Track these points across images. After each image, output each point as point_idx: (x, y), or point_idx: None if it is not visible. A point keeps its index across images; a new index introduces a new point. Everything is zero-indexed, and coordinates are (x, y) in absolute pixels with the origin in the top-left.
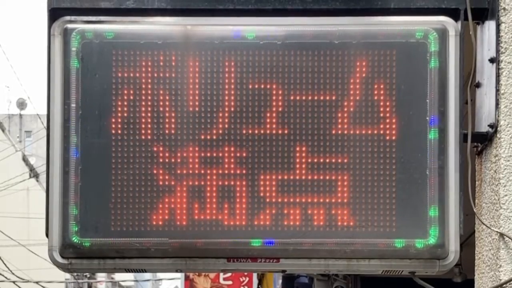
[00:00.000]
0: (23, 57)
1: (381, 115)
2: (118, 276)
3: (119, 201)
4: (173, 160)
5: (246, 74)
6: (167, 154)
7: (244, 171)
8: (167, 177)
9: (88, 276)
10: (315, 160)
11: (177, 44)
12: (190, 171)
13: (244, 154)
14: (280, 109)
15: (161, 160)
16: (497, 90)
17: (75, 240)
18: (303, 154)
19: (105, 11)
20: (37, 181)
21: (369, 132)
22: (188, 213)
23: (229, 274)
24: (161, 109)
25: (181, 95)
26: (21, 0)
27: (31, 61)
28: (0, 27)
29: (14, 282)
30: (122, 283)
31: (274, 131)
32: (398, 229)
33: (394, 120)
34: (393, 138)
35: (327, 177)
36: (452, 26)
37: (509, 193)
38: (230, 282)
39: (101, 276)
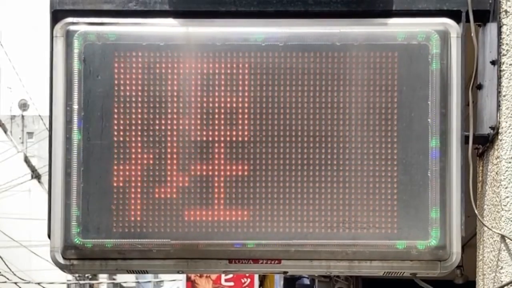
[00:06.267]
0: (26, 59)
1: (383, 116)
2: (120, 277)
3: (121, 202)
4: (175, 161)
5: (248, 76)
6: (169, 156)
7: (246, 173)
8: (169, 178)
9: (90, 277)
10: (317, 162)
11: (179, 46)
12: (192, 173)
13: (246, 156)
14: (281, 110)
15: (163, 162)
16: (499, 92)
17: (77, 241)
18: (305, 156)
19: (108, 13)
20: (39, 182)
21: (371, 133)
22: (189, 214)
23: (230, 276)
24: (163, 110)
25: (183, 97)
26: (23, 2)
27: (34, 63)
28: (2, 28)
29: (15, 283)
30: (124, 284)
31: (275, 133)
32: (400, 231)
33: (395, 122)
34: (395, 140)
35: (329, 179)
36: (453, 28)
37: (511, 195)
38: (231, 284)
39: (102, 277)
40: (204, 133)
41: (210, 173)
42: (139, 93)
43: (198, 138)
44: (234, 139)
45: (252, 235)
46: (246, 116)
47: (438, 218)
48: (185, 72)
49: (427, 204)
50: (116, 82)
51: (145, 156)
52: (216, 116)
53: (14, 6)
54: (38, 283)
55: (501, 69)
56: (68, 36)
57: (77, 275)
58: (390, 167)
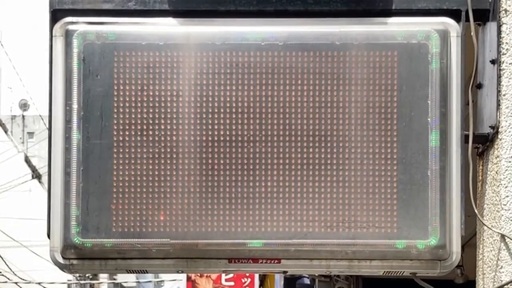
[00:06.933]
0: (26, 59)
1: (382, 116)
2: (120, 277)
3: (120, 202)
4: (174, 161)
5: (247, 75)
6: (168, 155)
7: (245, 172)
8: (168, 178)
9: (91, 277)
10: (316, 161)
11: (178, 45)
12: (192, 172)
13: (245, 155)
14: (281, 110)
15: (162, 161)
16: (498, 91)
17: (77, 241)
18: (304, 155)
19: (107, 12)
20: (40, 182)
21: (370, 133)
22: (189, 214)
23: (231, 275)
24: (162, 110)
25: (183, 96)
26: (23, 2)
27: (34, 63)
28: (2, 28)
29: (16, 283)
30: (124, 284)
31: (275, 132)
32: (399, 230)
33: (395, 121)
34: (394, 139)
35: (328, 178)
36: (453, 27)
37: (510, 194)
38: (232, 283)
39: (103, 277)
40: (204, 132)
41: (210, 172)
42: (139, 93)
43: (198, 138)
44: (233, 138)
45: (251, 235)
46: (245, 115)
47: (438, 218)
48: (184, 72)
49: (427, 204)
50: (115, 81)
51: (145, 155)
52: (216, 115)
53: (14, 6)
54: (39, 283)
55: (501, 68)
56: (68, 35)
57: (77, 275)
58: (390, 167)
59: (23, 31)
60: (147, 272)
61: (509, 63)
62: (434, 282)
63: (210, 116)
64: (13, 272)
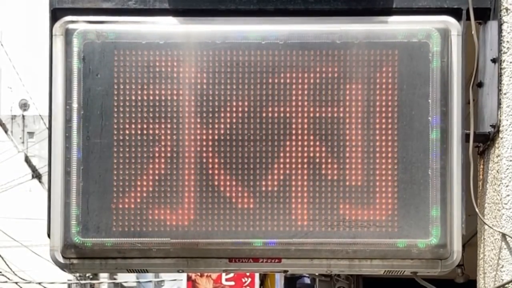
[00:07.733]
0: (26, 58)
1: (383, 115)
2: (121, 277)
3: (120, 201)
4: (174, 160)
5: (248, 74)
6: (168, 154)
7: (246, 171)
8: (168, 177)
9: (91, 277)
10: (317, 160)
11: (179, 44)
12: (192, 171)
13: (246, 154)
14: (281, 109)
15: (162, 160)
16: (499, 90)
17: (77, 241)
18: (305, 154)
19: (107, 11)
20: (40, 182)
21: (371, 132)
22: (189, 213)
23: (231, 275)
24: (162, 109)
25: (183, 95)
26: (23, 2)
27: (34, 62)
28: (3, 28)
29: (16, 283)
30: (125, 284)
31: (275, 131)
32: (400, 229)
33: (396, 120)
34: (395, 138)
35: (329, 177)
36: (454, 26)
37: (511, 193)
38: (232, 283)
39: (103, 276)
40: (204, 131)
41: (210, 171)
42: (139, 92)
43: (198, 137)
44: (233, 137)
45: (252, 234)
46: (245, 114)
47: (438, 217)
48: (184, 71)
49: (428, 203)
50: (115, 80)
51: (145, 155)
52: (216, 114)
53: (14, 6)
54: (39, 283)
55: (502, 67)
56: (68, 34)
57: (77, 274)
58: (390, 166)
59: (23, 31)
60: (147, 272)
61: (510, 62)
62: (434, 282)
63: (210, 115)
64: (13, 272)
